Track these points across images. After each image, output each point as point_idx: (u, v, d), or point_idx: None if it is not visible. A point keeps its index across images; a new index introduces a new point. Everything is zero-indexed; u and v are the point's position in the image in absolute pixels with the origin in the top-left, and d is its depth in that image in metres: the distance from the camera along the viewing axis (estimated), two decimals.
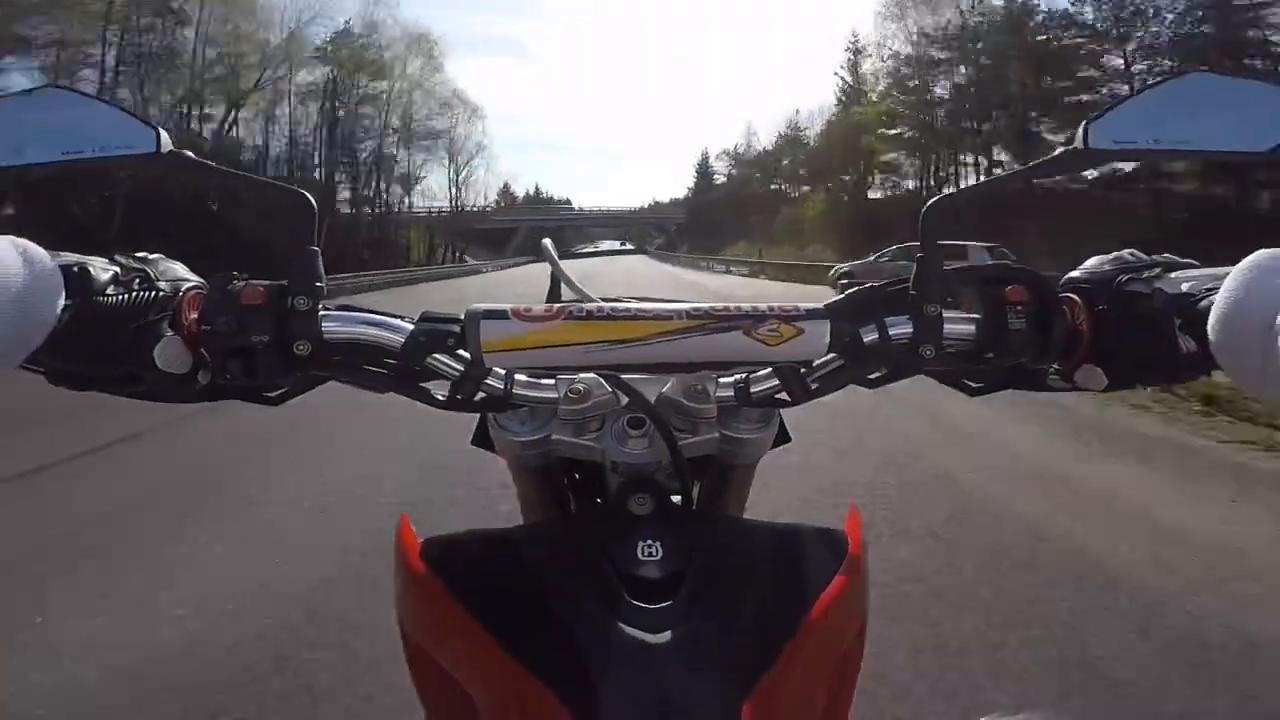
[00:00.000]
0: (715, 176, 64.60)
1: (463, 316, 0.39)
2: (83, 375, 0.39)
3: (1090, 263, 0.43)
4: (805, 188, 42.90)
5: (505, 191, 68.04)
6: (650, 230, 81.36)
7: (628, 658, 0.35)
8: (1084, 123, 0.40)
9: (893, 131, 32.46)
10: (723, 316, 0.38)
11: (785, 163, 47.91)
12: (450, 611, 0.39)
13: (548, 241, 0.48)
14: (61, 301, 0.36)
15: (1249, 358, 0.32)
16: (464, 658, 0.39)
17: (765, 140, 53.37)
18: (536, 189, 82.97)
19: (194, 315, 0.39)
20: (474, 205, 46.87)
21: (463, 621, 0.38)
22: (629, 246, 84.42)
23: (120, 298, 0.39)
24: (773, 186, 49.02)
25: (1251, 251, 0.34)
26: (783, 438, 0.48)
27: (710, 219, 56.96)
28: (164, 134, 0.40)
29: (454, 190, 43.36)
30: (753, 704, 0.34)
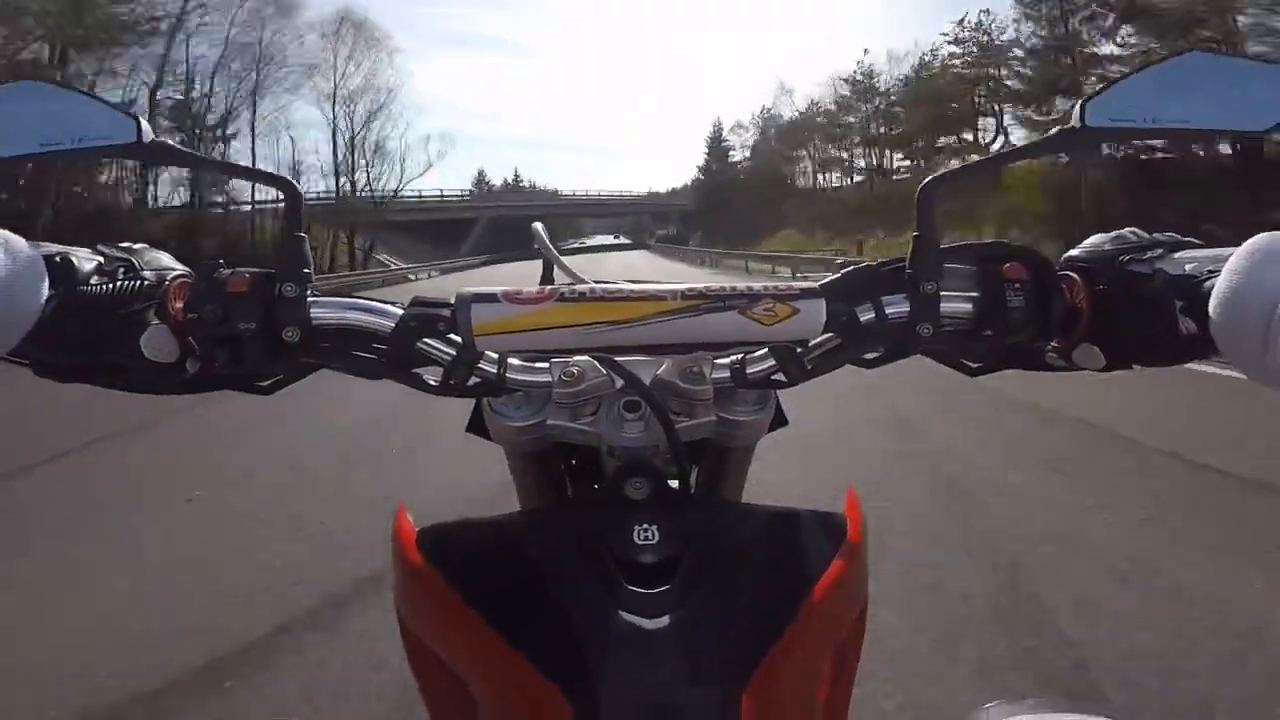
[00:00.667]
0: (731, 153, 49.59)
1: (453, 300, 0.38)
2: (68, 366, 0.39)
3: (1090, 241, 0.43)
4: (890, 154, 29.15)
5: (480, 180, 60.27)
6: (649, 222, 70.56)
7: (625, 643, 0.35)
8: (1080, 101, 0.40)
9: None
10: (717, 296, 0.38)
11: (857, 118, 31.99)
12: (447, 601, 0.38)
13: (539, 225, 0.47)
14: (45, 292, 0.35)
15: (1248, 342, 0.31)
16: (462, 647, 0.39)
17: (801, 102, 38.16)
18: (515, 175, 72.75)
19: (180, 304, 0.39)
20: (386, 187, 29.78)
21: (460, 611, 0.38)
22: (625, 241, 75.51)
23: (105, 287, 0.38)
24: (830, 153, 34.06)
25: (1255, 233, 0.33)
26: (779, 420, 0.48)
27: (726, 202, 43.52)
28: (145, 124, 0.40)
29: (342, 158, 27.95)
30: (752, 689, 0.34)
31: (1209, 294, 0.34)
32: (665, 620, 0.35)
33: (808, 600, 0.38)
